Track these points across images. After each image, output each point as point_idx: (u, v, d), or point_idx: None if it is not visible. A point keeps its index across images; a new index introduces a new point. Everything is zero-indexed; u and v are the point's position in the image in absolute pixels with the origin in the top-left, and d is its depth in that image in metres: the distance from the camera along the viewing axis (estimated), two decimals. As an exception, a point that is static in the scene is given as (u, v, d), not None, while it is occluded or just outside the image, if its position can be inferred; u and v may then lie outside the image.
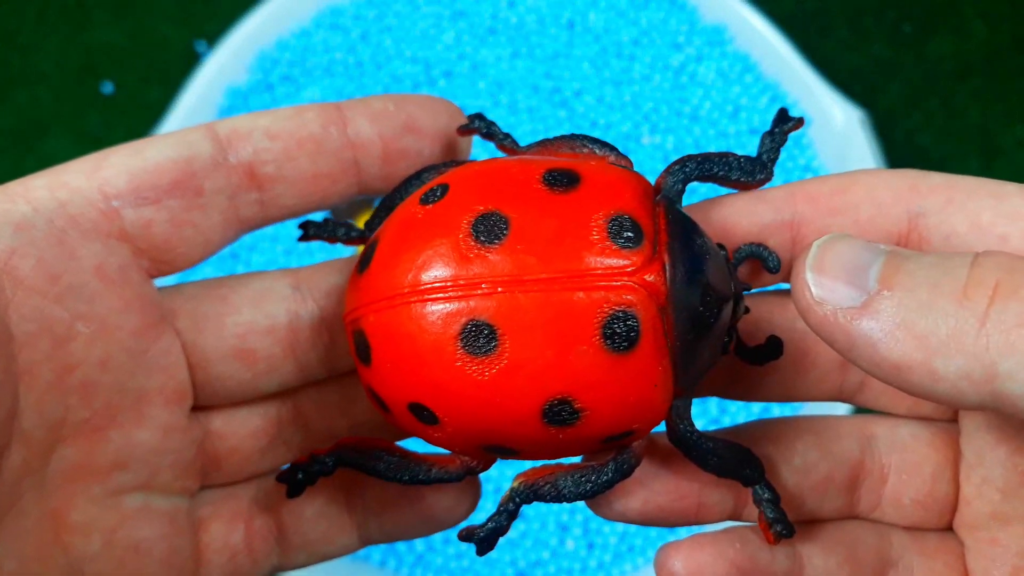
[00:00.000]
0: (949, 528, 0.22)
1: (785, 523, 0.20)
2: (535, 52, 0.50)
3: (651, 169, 0.46)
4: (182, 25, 0.54)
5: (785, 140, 0.21)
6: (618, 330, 0.18)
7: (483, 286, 0.19)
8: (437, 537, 0.41)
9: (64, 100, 0.53)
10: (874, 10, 0.52)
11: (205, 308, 0.22)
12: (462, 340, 0.19)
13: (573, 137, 0.22)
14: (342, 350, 0.23)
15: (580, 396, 0.19)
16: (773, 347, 0.21)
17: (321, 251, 0.46)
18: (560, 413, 0.19)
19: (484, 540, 0.21)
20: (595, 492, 0.20)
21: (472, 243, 0.19)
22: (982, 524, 0.21)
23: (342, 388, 0.24)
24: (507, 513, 0.21)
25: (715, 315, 0.19)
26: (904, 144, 0.49)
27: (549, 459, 0.21)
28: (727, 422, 0.43)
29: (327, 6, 0.51)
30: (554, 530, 0.41)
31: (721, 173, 0.21)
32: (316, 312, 0.23)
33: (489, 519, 0.21)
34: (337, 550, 0.24)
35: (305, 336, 0.23)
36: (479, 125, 0.23)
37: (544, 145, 0.22)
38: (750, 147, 0.46)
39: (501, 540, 0.40)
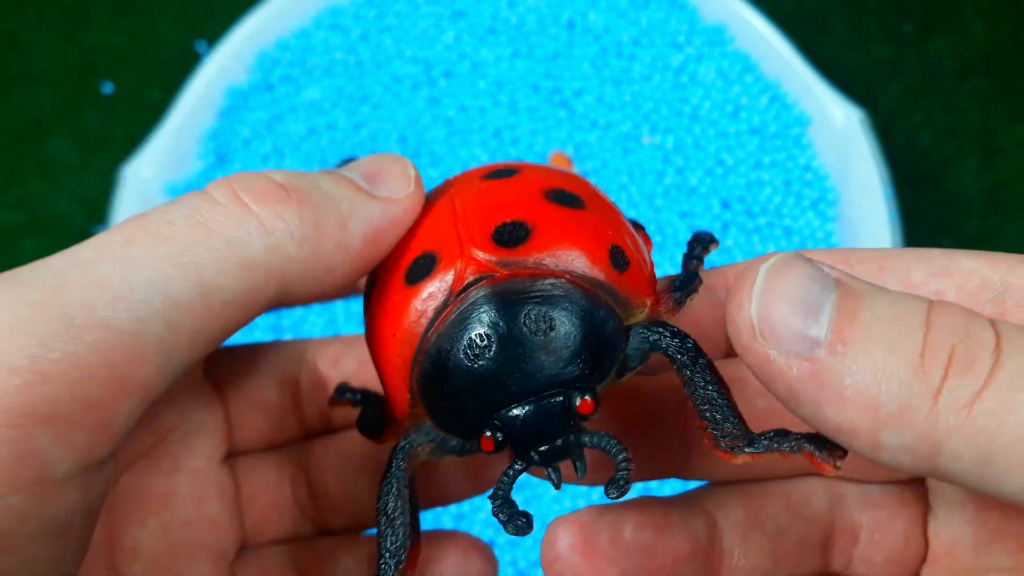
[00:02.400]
0: None
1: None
2: (535, 52, 0.50)
3: (651, 169, 0.46)
4: (182, 25, 0.54)
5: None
6: None
7: None
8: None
9: (64, 100, 0.53)
10: (874, 10, 0.52)
11: None
12: None
13: None
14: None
15: None
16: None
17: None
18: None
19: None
20: None
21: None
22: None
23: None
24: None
25: None
26: (904, 144, 0.49)
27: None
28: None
29: (327, 6, 0.51)
30: (554, 530, 0.41)
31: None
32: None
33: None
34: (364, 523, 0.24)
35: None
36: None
37: None
38: (750, 147, 0.46)
39: (501, 540, 0.40)
